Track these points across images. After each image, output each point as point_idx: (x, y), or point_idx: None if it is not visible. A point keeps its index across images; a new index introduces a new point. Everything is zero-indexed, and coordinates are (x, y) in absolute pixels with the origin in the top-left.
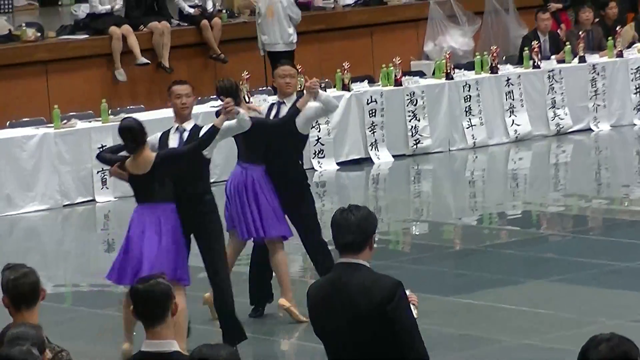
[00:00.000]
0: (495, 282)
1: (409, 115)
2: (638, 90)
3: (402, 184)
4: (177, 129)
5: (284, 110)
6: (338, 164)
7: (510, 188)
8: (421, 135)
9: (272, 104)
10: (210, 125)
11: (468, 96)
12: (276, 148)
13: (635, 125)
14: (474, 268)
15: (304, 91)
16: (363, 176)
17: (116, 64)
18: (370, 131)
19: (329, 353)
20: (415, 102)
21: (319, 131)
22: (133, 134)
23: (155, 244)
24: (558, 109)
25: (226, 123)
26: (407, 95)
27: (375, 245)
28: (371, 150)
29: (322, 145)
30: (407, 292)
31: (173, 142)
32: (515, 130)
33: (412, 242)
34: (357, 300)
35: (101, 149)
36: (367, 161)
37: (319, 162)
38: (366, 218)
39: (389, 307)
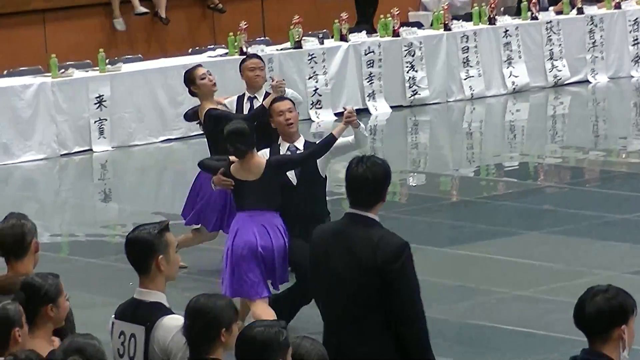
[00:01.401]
0: (491, 233)
1: (407, 66)
2: (636, 41)
3: (399, 135)
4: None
5: (256, 104)
6: (335, 114)
7: (507, 140)
8: (419, 87)
9: (240, 98)
10: (329, 134)
11: (466, 47)
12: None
13: (632, 77)
14: (470, 219)
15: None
16: None
17: (115, 12)
18: (368, 82)
19: (322, 300)
20: (413, 53)
21: (317, 82)
22: (244, 137)
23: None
24: (556, 60)
25: (342, 139)
26: (405, 46)
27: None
28: (369, 101)
29: (320, 96)
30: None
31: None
32: (513, 82)
33: (408, 194)
34: (361, 253)
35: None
36: (364, 112)
37: (316, 113)
38: (382, 176)
39: (394, 266)
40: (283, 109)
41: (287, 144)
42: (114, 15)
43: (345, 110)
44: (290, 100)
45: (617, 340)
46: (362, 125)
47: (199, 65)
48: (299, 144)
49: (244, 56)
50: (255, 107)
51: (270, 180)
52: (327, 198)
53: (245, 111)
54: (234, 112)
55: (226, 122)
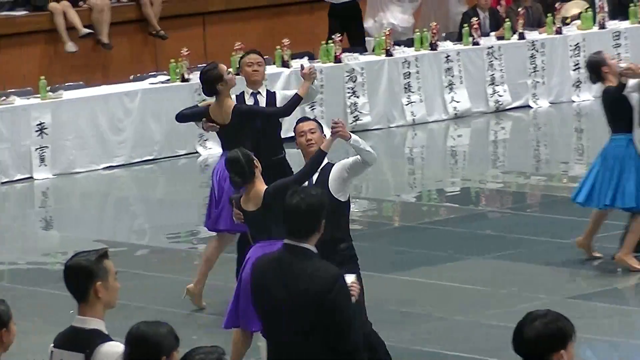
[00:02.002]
0: (434, 259)
1: (349, 92)
2: (577, 66)
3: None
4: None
5: (262, 101)
6: None
7: (449, 165)
8: (360, 112)
9: (240, 96)
10: (317, 150)
11: (408, 73)
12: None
13: (574, 102)
14: (413, 245)
15: (302, 82)
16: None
17: (64, 37)
18: (309, 108)
19: (267, 333)
20: (354, 79)
21: None
22: (239, 166)
23: None
24: (497, 85)
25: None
26: (347, 72)
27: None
28: None
29: None
30: (351, 280)
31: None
32: (455, 107)
33: (350, 219)
34: (297, 286)
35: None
36: None
37: None
38: (317, 205)
39: (328, 297)
40: (305, 129)
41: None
42: (63, 40)
43: (332, 120)
44: (315, 120)
45: None
46: (356, 137)
47: (218, 63)
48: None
49: (185, 82)
50: (258, 103)
51: (271, 208)
52: None
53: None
54: None
55: (260, 116)
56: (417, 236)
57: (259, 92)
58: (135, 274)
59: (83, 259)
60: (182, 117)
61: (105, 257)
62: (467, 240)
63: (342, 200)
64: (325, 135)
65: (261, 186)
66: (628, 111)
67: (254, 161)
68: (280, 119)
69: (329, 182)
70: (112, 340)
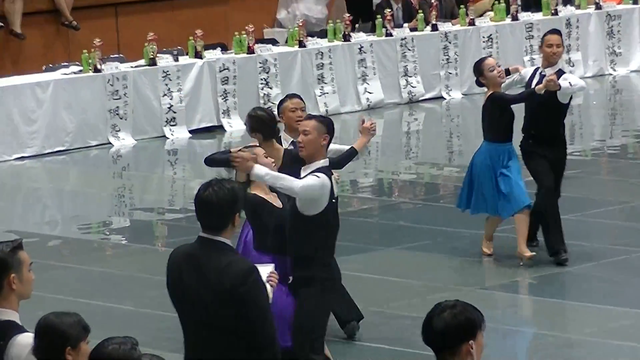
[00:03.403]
0: (348, 249)
1: (262, 83)
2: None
3: None
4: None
5: None
6: (190, 131)
7: (362, 156)
8: (273, 103)
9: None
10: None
11: (321, 64)
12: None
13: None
14: None
15: (360, 134)
16: (215, 144)
17: None
18: (222, 99)
19: (183, 326)
20: (267, 70)
21: (171, 99)
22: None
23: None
24: (410, 77)
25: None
26: (260, 63)
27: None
28: (223, 118)
29: (174, 113)
30: (269, 271)
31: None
32: (368, 98)
33: None
34: (211, 280)
35: None
36: (219, 129)
37: (170, 130)
38: (229, 198)
39: (241, 290)
40: (297, 106)
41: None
42: None
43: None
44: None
45: (465, 355)
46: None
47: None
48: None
49: (97, 73)
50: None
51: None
52: None
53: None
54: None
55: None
56: None
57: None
58: (47, 264)
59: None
60: (210, 162)
61: (20, 249)
62: (380, 231)
63: (309, 214)
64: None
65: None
66: (506, 120)
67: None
68: None
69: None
70: (26, 331)
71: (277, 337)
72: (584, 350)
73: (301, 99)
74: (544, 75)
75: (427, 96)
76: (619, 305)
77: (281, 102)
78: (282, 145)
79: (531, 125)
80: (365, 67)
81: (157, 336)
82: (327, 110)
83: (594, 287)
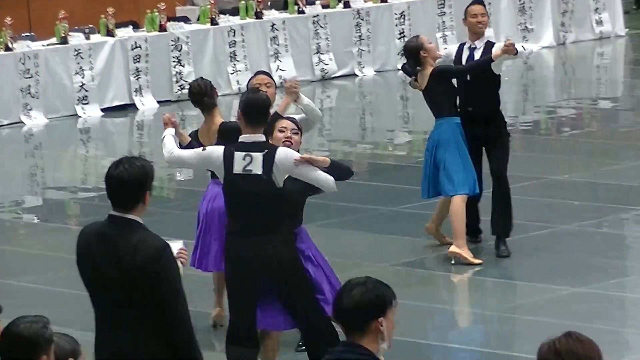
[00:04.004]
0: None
1: (174, 61)
2: (402, 35)
3: None
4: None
5: None
6: (102, 110)
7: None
8: (186, 81)
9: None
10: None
11: (233, 42)
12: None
13: (399, 70)
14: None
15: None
16: (127, 122)
17: None
18: (134, 77)
19: (93, 305)
20: (180, 47)
21: (83, 77)
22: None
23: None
24: (323, 54)
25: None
26: (172, 40)
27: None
28: (135, 96)
29: (86, 91)
30: (179, 247)
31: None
32: (280, 76)
33: (176, 188)
34: (122, 256)
35: None
36: (131, 107)
37: (83, 109)
38: (140, 175)
39: (154, 267)
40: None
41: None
42: None
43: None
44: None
45: (375, 332)
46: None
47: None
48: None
49: (9, 52)
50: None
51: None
52: None
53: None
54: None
55: None
56: None
57: None
58: None
59: None
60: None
61: None
62: None
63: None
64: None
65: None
66: (452, 94)
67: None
68: None
69: (278, 165)
70: None
71: (189, 316)
72: (500, 326)
73: (267, 75)
74: (474, 48)
75: (340, 73)
76: (537, 281)
77: (249, 79)
78: None
79: (467, 102)
80: (278, 45)
81: (69, 315)
82: (239, 88)
83: (511, 264)
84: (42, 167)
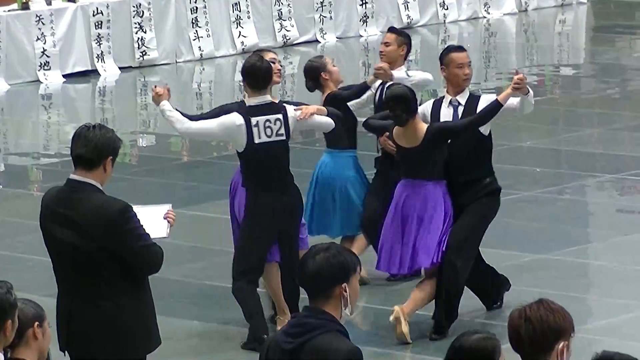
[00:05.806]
0: (224, 193)
1: (136, 27)
2: (364, 2)
3: (128, 97)
4: (450, 102)
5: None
6: (64, 76)
7: (236, 100)
8: (147, 47)
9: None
10: (494, 99)
11: (195, 8)
12: None
13: (361, 36)
14: (202, 180)
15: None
16: (89, 88)
17: None
18: (96, 43)
19: (55, 265)
20: (141, 14)
21: (45, 43)
22: (405, 103)
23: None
24: (284, 20)
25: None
26: (134, 6)
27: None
28: (97, 62)
29: (48, 57)
30: (167, 209)
31: (446, 116)
32: (242, 42)
33: (140, 155)
34: (84, 219)
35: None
36: (93, 73)
37: (44, 75)
38: (106, 139)
39: (119, 223)
40: (463, 62)
41: (450, 97)
42: None
43: (516, 74)
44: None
45: (338, 298)
46: (531, 92)
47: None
48: (462, 99)
49: None
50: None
51: (429, 149)
52: None
53: None
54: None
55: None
56: (207, 171)
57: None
58: None
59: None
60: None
61: None
62: None
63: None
64: None
65: (421, 124)
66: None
67: (416, 97)
68: None
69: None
70: None
71: (159, 264)
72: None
73: (272, 52)
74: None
75: (302, 40)
76: (500, 247)
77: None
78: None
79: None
80: (240, 11)
81: (32, 280)
82: (201, 55)
83: None
84: (3, 133)
